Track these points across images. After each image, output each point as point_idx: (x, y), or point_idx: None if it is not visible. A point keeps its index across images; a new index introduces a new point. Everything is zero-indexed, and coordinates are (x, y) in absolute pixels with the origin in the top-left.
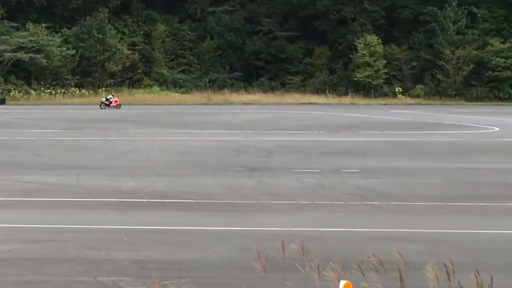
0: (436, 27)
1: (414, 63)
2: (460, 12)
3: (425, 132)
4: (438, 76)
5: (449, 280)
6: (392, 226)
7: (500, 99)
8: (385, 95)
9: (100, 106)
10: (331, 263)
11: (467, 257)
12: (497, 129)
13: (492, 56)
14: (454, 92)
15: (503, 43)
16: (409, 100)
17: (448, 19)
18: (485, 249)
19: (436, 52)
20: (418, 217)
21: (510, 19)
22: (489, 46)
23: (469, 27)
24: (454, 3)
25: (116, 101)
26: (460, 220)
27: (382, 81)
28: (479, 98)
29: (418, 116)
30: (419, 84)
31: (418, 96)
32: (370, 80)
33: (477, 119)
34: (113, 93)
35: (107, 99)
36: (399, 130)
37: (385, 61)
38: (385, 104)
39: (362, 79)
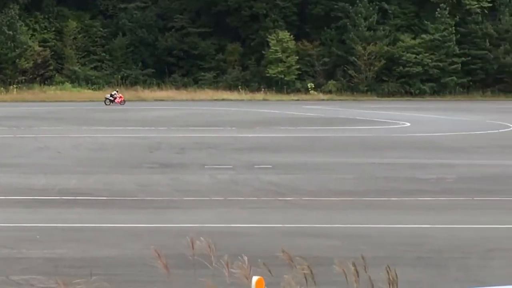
0: (348, 23)
1: (326, 59)
2: (371, 8)
3: (338, 128)
4: (350, 72)
5: (358, 276)
6: (306, 222)
7: (411, 94)
8: (298, 91)
9: (104, 102)
10: (239, 259)
11: (380, 252)
12: (409, 124)
13: (403, 51)
14: (365, 88)
15: (414, 39)
16: (321, 96)
17: (359, 15)
18: (398, 243)
19: (347, 48)
20: (332, 212)
21: (420, 15)
22: (400, 42)
23: (380, 23)
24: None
25: (120, 97)
26: (372, 215)
27: (294, 77)
28: (391, 94)
29: (330, 111)
30: (331, 80)
31: (330, 92)
32: (283, 76)
33: (389, 114)
34: (117, 89)
35: (111, 95)
36: (312, 125)
37: (297, 57)
38: (298, 100)
39: (275, 75)
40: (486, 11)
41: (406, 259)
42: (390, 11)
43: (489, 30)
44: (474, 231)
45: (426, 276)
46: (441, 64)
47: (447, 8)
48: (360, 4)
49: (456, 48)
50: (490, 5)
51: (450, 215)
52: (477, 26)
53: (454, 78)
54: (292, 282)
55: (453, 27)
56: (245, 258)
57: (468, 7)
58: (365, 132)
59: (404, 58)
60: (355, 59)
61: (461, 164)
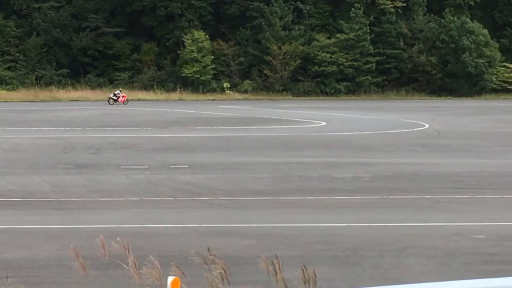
0: (263, 23)
1: (242, 59)
2: (286, 8)
3: (253, 127)
4: (265, 71)
5: (276, 274)
6: (222, 221)
7: (326, 93)
8: (213, 90)
9: (108, 101)
10: (151, 258)
11: (296, 251)
12: (324, 123)
13: (318, 51)
14: (281, 87)
15: (329, 38)
16: (237, 95)
17: (274, 14)
18: (313, 242)
19: (263, 48)
20: (248, 212)
21: (335, 14)
22: (315, 41)
23: (296, 22)
24: None
25: (124, 97)
26: (288, 214)
27: (210, 76)
28: (306, 93)
29: (246, 111)
30: (247, 80)
31: (246, 92)
32: (198, 76)
33: (304, 113)
34: (120, 89)
35: (115, 95)
36: (228, 125)
37: (212, 57)
38: (214, 99)
39: (190, 75)
40: (400, 11)
41: (321, 257)
42: (305, 11)
43: (403, 29)
44: (389, 229)
45: (341, 274)
46: (356, 64)
47: (362, 8)
48: (275, 4)
49: (371, 47)
50: (404, 4)
51: (365, 213)
52: (391, 26)
53: (369, 77)
54: (216, 280)
55: (368, 27)
56: (154, 259)
57: (382, 6)
58: (281, 131)
59: (319, 57)
60: (271, 59)
61: (376, 163)
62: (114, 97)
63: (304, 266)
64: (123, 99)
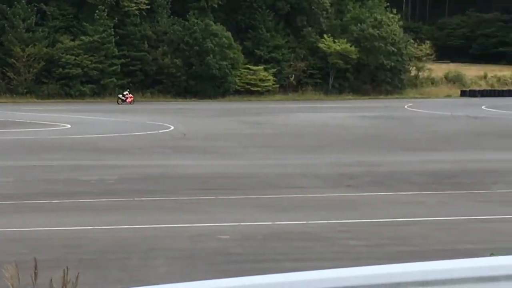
0: (6, 25)
1: None
2: (29, 10)
3: None
4: (8, 74)
5: (19, 281)
6: None
7: (71, 96)
8: None
9: (117, 102)
10: None
11: (42, 255)
12: (69, 126)
13: (63, 53)
14: (25, 90)
15: (73, 40)
16: None
17: (17, 16)
18: (60, 245)
19: (6, 50)
20: None
21: (78, 16)
22: (59, 43)
23: (39, 24)
24: (23, 1)
25: (131, 97)
26: (34, 218)
27: None
28: (51, 96)
29: None
30: None
31: None
32: None
33: (49, 116)
34: (128, 90)
35: (123, 95)
36: None
37: None
38: None
39: None
40: (144, 13)
41: (68, 261)
42: (49, 13)
43: (147, 31)
44: (135, 231)
45: (88, 277)
46: (100, 66)
47: (106, 10)
48: (18, 6)
49: (115, 49)
50: (148, 7)
51: (111, 216)
52: (136, 28)
53: (114, 79)
54: None
55: (112, 29)
56: None
57: (126, 9)
58: (25, 134)
59: (63, 59)
60: (14, 61)
61: (121, 165)
62: (123, 98)
63: (66, 269)
64: (130, 100)
